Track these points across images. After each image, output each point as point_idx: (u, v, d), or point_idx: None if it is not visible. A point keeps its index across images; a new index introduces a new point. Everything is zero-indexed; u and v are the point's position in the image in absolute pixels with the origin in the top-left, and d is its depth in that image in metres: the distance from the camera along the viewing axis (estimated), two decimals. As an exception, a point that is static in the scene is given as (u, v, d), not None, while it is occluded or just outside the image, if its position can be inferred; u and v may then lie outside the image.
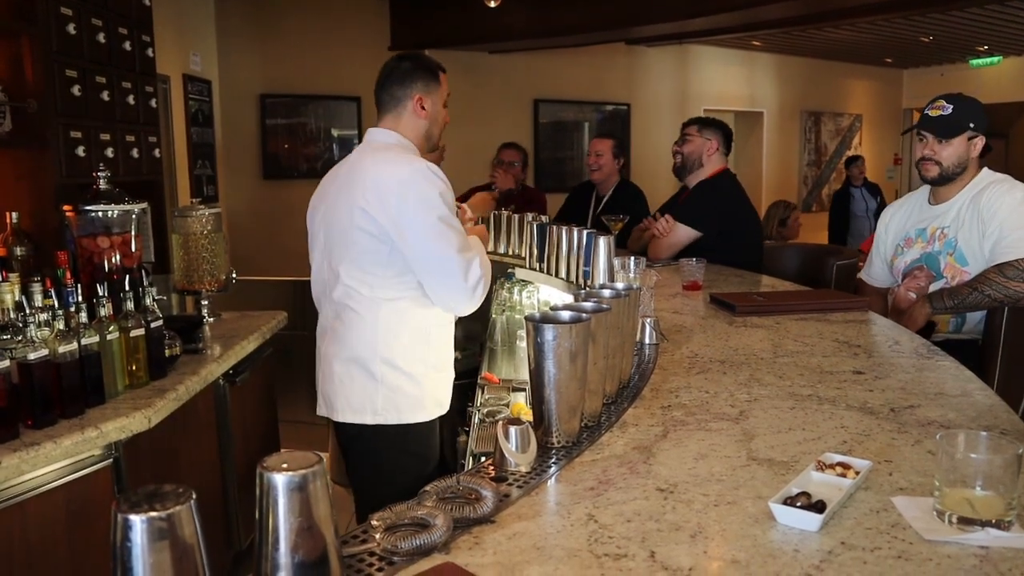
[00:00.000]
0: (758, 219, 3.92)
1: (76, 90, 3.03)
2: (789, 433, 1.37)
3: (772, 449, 1.29)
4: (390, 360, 2.13)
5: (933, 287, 2.57)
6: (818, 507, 1.02)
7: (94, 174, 2.77)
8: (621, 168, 4.58)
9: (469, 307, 2.11)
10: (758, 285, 3.08)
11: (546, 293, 3.29)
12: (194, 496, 0.71)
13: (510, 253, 4.01)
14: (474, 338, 4.52)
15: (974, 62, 10.94)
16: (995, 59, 10.70)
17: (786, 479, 1.15)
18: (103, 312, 2.14)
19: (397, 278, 2.10)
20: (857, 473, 1.13)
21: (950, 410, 1.49)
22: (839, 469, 1.14)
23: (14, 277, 2.21)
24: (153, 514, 0.69)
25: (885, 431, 1.37)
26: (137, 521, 0.68)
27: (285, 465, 0.79)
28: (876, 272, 2.89)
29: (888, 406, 1.51)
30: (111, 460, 2.01)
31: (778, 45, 9.71)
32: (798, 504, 1.03)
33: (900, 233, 2.78)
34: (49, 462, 1.83)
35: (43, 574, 1.86)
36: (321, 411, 2.25)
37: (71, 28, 3.01)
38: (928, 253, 2.62)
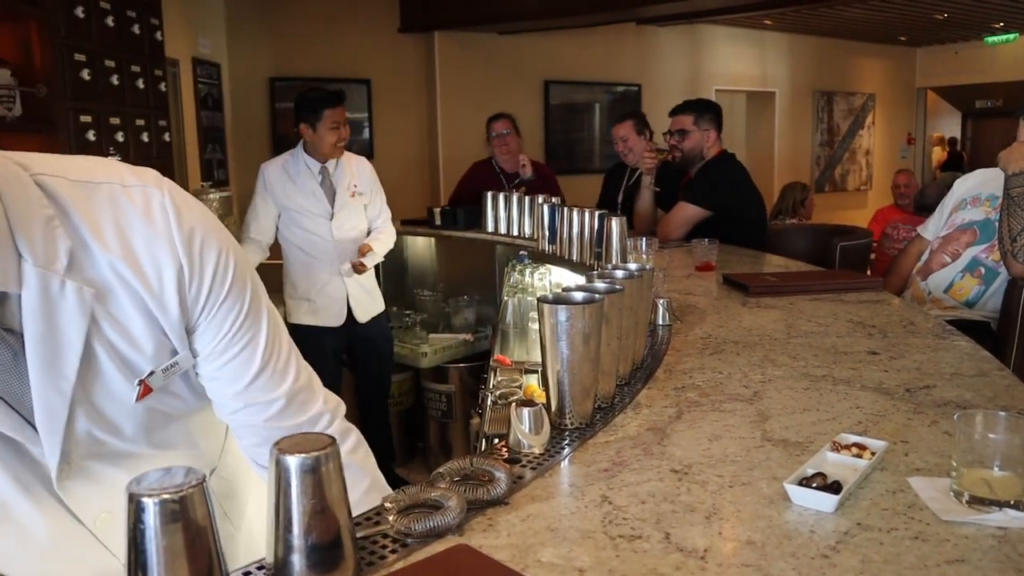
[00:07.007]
0: (762, 199, 3.90)
1: (85, 74, 3.03)
2: (804, 414, 1.36)
3: (787, 430, 1.28)
4: None
5: (970, 251, 2.64)
6: (834, 488, 1.01)
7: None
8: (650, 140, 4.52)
9: None
10: (771, 266, 3.06)
11: (558, 275, 3.28)
12: (207, 478, 0.71)
13: (521, 235, 4.01)
14: (486, 321, 4.53)
15: (989, 39, 10.81)
16: (1011, 36, 10.57)
17: (801, 460, 1.14)
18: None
19: None
20: (873, 454, 1.12)
21: (967, 390, 1.47)
22: (855, 450, 1.13)
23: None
24: (166, 496, 0.68)
25: (901, 411, 1.36)
26: (150, 503, 0.68)
27: (298, 447, 0.79)
28: (932, 225, 2.96)
29: (904, 386, 1.50)
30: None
31: (790, 24, 9.61)
32: (813, 485, 1.02)
33: (971, 191, 2.83)
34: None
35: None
36: None
37: (79, 12, 3.01)
38: (990, 219, 2.64)
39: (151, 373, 0.98)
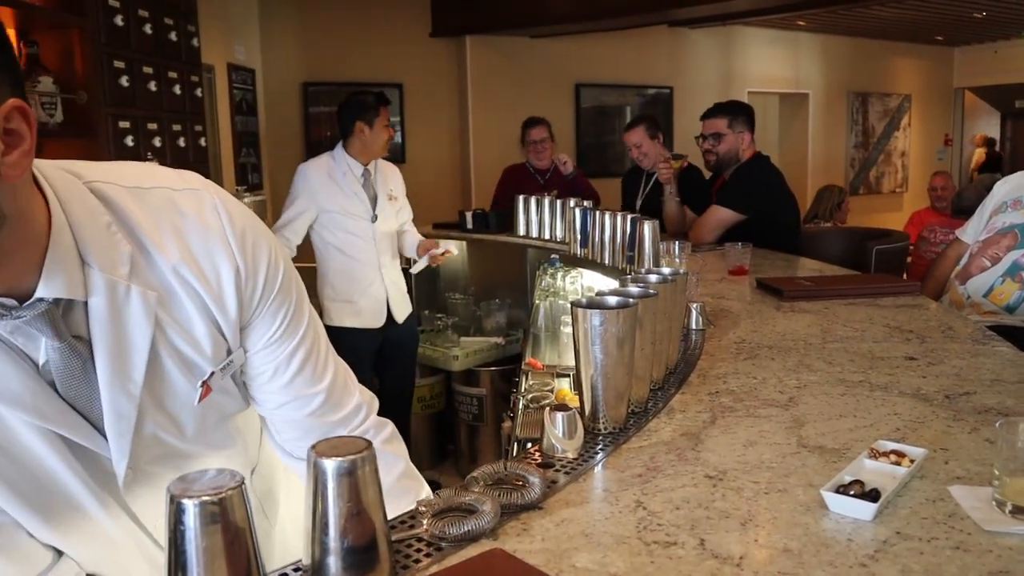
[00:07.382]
0: (796, 202, 3.87)
1: (124, 81, 3.08)
2: (840, 420, 1.34)
3: (823, 436, 1.26)
4: None
5: (1011, 255, 2.58)
6: (872, 496, 1.00)
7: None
8: (664, 144, 4.51)
9: None
10: (805, 269, 3.03)
11: (590, 279, 3.27)
12: (245, 480, 0.72)
13: (552, 239, 4.01)
14: (517, 324, 4.53)
15: (1029, 38, 10.61)
16: (1052, 35, 10.37)
17: (838, 467, 1.12)
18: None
19: None
20: (912, 461, 1.11)
21: (1008, 397, 1.45)
22: (893, 457, 1.12)
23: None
24: (205, 498, 0.69)
25: (940, 418, 1.34)
26: (190, 505, 0.69)
27: (335, 450, 0.79)
28: (971, 228, 2.90)
29: (943, 393, 1.47)
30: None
31: (824, 25, 9.51)
32: (851, 492, 1.01)
33: (1012, 194, 2.77)
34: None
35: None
36: None
37: (119, 20, 3.06)
38: None
39: (212, 374, 1.00)
